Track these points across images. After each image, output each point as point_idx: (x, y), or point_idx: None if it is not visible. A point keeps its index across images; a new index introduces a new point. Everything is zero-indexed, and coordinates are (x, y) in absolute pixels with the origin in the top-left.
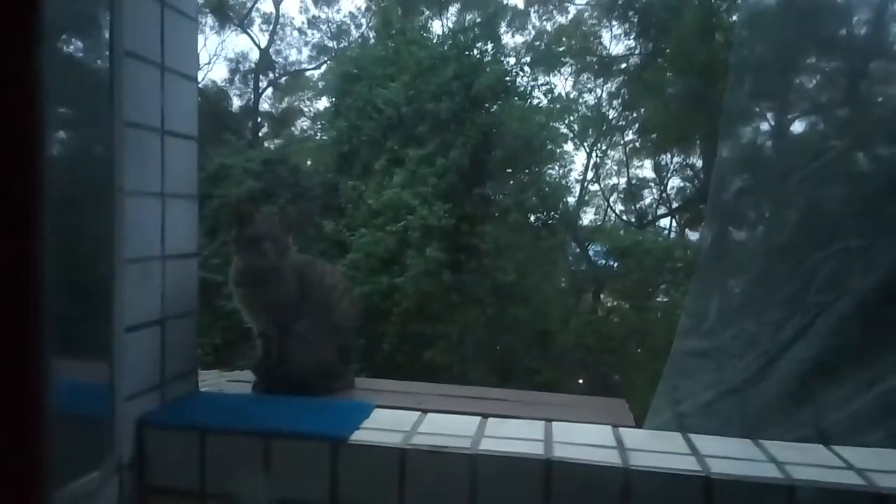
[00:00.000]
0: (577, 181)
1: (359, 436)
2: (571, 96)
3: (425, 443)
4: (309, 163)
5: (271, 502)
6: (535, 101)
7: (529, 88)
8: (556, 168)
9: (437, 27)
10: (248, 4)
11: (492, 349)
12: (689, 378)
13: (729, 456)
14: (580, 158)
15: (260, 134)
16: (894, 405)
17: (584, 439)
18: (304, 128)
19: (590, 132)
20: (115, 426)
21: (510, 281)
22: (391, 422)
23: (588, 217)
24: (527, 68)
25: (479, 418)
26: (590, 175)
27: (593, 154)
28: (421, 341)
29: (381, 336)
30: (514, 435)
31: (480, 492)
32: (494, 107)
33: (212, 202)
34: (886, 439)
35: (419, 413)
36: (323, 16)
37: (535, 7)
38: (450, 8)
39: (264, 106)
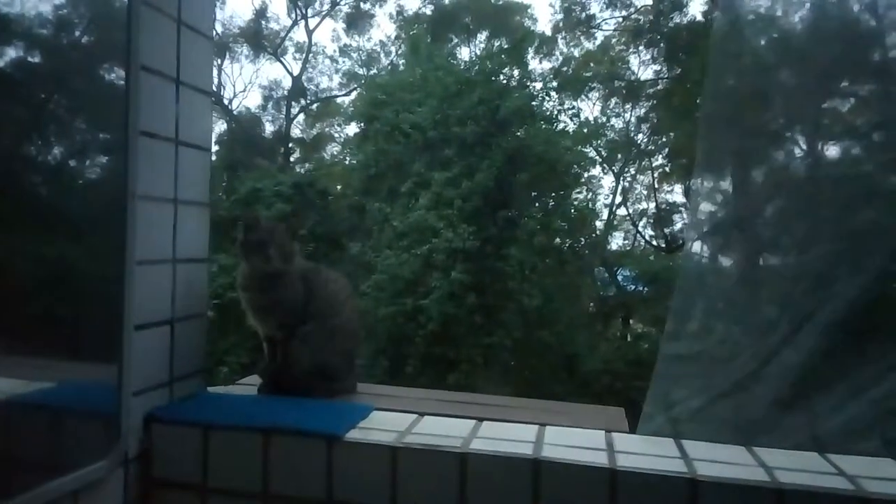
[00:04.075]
0: (605, 206)
1: (354, 434)
2: (600, 121)
3: (418, 442)
4: (339, 187)
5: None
6: (562, 126)
7: (555, 113)
8: (584, 192)
9: (465, 54)
10: (282, 34)
11: (517, 373)
12: (679, 382)
13: (718, 460)
14: (609, 183)
15: (291, 158)
16: (891, 412)
17: (575, 442)
18: (335, 153)
19: (618, 157)
20: (121, 420)
21: (536, 304)
22: (387, 422)
23: (617, 242)
24: (553, 93)
25: (474, 421)
26: (619, 199)
27: (622, 178)
28: (445, 364)
29: (404, 358)
30: (506, 436)
31: (470, 490)
32: (520, 131)
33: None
34: (884, 446)
35: (416, 415)
36: (354, 44)
37: (563, 34)
38: (478, 35)
39: (296, 131)
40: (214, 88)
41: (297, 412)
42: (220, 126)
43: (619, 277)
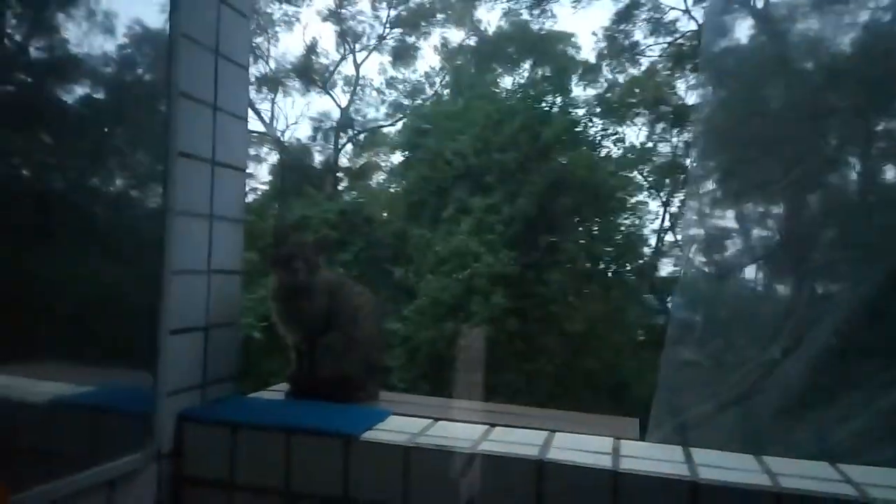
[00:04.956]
0: (653, 232)
1: (370, 435)
2: (647, 146)
3: (429, 443)
4: (385, 214)
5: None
6: (605, 151)
7: (598, 138)
8: (630, 218)
9: (508, 83)
10: (331, 68)
11: (560, 399)
12: (686, 389)
13: (722, 466)
14: (657, 209)
15: (339, 187)
16: None
17: (582, 447)
18: (381, 181)
19: (666, 182)
20: (155, 418)
21: (579, 330)
22: (403, 426)
23: (667, 268)
24: (595, 119)
25: (486, 427)
26: (668, 225)
27: (670, 204)
28: (486, 390)
29: (445, 383)
30: (515, 440)
31: (478, 489)
32: (562, 157)
33: None
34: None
35: (431, 420)
36: (400, 76)
37: (608, 60)
38: (522, 64)
39: (343, 161)
40: (268, 121)
41: (319, 415)
42: (272, 157)
43: (669, 305)
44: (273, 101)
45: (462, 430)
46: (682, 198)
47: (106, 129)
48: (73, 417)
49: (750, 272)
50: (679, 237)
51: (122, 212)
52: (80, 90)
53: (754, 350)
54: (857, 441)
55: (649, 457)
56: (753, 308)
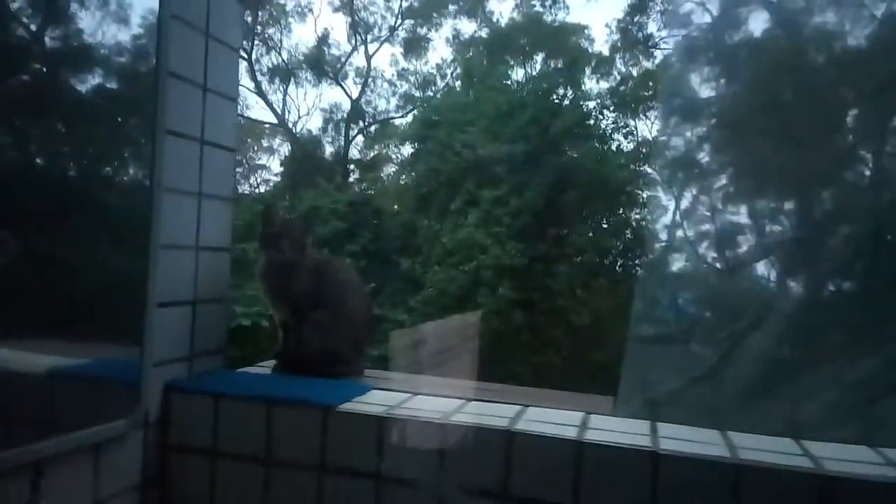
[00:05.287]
0: (665, 226)
1: (348, 406)
2: (660, 140)
3: (404, 414)
4: (396, 207)
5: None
6: (615, 145)
7: (609, 132)
8: (639, 211)
9: (520, 75)
10: (343, 59)
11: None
12: (653, 365)
13: (685, 439)
14: (668, 203)
15: (350, 178)
16: (869, 397)
17: (552, 419)
18: (391, 173)
19: (679, 176)
20: (142, 387)
21: (585, 323)
22: (381, 399)
23: (678, 264)
24: (606, 112)
25: (462, 401)
26: (679, 219)
27: (682, 199)
28: (490, 378)
29: (446, 367)
30: (488, 412)
31: (449, 457)
32: (572, 150)
33: None
34: (863, 432)
35: (410, 394)
36: (411, 68)
37: (621, 53)
38: (535, 57)
39: (354, 152)
40: (280, 113)
41: (301, 387)
42: (285, 148)
43: (679, 301)
44: (285, 93)
45: (438, 404)
46: (695, 192)
47: (95, 109)
48: (62, 387)
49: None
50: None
51: (111, 189)
52: (72, 72)
53: (722, 327)
54: (824, 416)
55: (614, 429)
56: (723, 287)
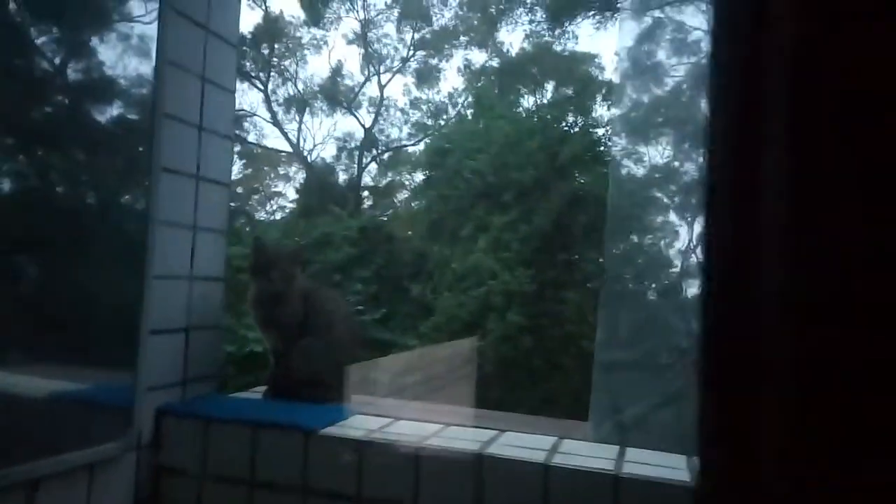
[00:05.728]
0: (678, 252)
1: (329, 430)
2: (672, 165)
3: (381, 439)
4: (409, 233)
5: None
6: (625, 171)
7: (619, 158)
8: (653, 237)
9: (530, 103)
10: (356, 90)
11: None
12: (619, 391)
13: (649, 463)
14: (680, 228)
15: (364, 205)
16: None
17: (524, 444)
18: (403, 199)
19: (692, 202)
20: (134, 410)
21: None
22: (362, 423)
23: (693, 289)
24: (615, 138)
25: (441, 426)
26: (693, 244)
27: (695, 224)
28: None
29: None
30: (463, 437)
31: (423, 480)
32: (581, 176)
33: (313, 267)
34: None
35: (391, 420)
36: (423, 97)
37: (632, 80)
38: (545, 85)
39: (367, 180)
40: (295, 142)
41: (287, 412)
42: (300, 175)
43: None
44: (301, 122)
45: (416, 429)
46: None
47: (93, 144)
48: (59, 409)
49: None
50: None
51: (109, 222)
52: (71, 107)
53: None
54: None
55: (582, 453)
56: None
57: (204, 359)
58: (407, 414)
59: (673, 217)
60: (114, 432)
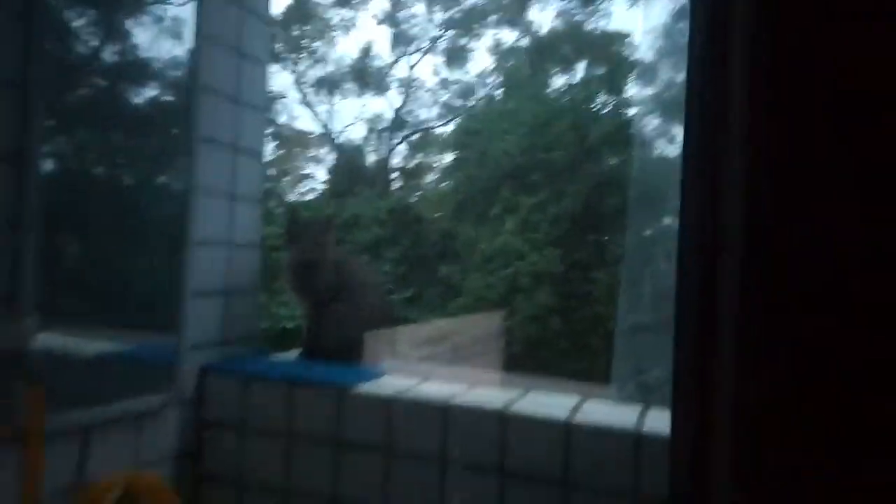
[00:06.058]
0: None
1: (361, 388)
2: None
3: (409, 397)
4: (438, 214)
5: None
6: (658, 152)
7: (650, 139)
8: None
9: (561, 82)
10: (385, 70)
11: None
12: (642, 353)
13: None
14: None
15: (392, 186)
16: None
17: (547, 404)
18: (432, 180)
19: None
20: (178, 368)
21: None
22: (392, 384)
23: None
24: (649, 118)
25: (465, 386)
26: None
27: None
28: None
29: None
30: (487, 397)
31: (450, 435)
32: (612, 157)
33: (343, 248)
34: None
35: (420, 380)
36: (453, 77)
37: (666, 58)
38: (576, 65)
39: (397, 160)
40: (325, 123)
41: (321, 371)
42: (330, 157)
43: None
44: (331, 104)
45: (443, 389)
46: None
47: (140, 122)
48: (109, 367)
49: None
50: None
51: (155, 192)
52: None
53: None
54: None
55: (605, 412)
56: None
57: (242, 321)
58: (435, 377)
59: None
60: (159, 387)
